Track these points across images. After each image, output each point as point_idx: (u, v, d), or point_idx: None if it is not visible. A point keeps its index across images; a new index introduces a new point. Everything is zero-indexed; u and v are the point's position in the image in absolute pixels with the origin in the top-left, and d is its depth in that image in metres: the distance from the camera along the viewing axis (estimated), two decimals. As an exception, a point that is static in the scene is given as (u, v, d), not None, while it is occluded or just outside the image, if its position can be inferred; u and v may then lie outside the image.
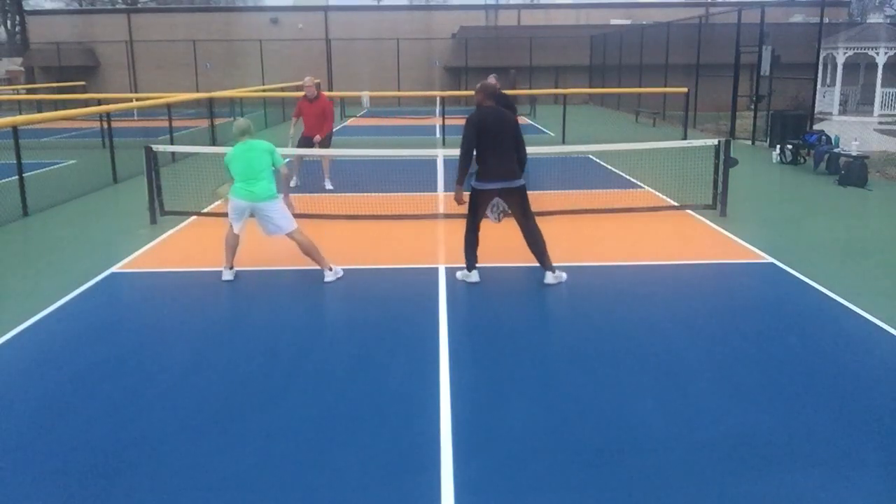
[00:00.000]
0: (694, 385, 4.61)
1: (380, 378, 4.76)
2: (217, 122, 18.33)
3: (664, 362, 4.96)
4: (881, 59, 20.60)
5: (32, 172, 12.65)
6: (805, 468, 3.67)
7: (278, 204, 6.67)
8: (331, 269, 6.82)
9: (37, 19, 38.81)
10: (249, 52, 35.14)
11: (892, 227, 9.06)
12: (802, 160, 14.10)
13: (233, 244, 6.84)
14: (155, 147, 9.46)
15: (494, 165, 6.38)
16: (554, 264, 6.66)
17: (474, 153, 6.43)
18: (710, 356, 5.06)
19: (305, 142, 11.37)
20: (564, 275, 6.69)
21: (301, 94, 11.65)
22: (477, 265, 6.73)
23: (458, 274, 6.81)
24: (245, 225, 6.82)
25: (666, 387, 4.58)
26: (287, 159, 7.91)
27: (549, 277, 6.62)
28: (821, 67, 18.17)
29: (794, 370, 4.82)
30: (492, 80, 11.48)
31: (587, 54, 33.77)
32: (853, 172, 11.69)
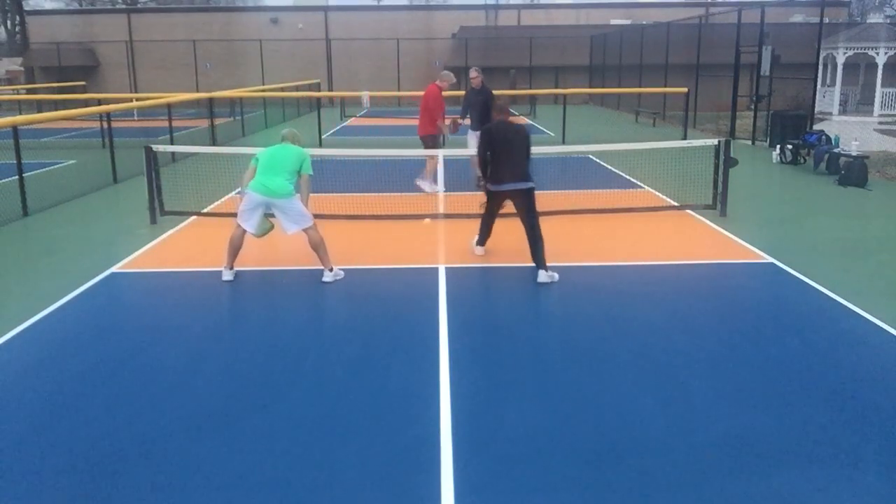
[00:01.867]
0: (693, 385, 4.61)
1: (380, 378, 4.76)
2: (217, 122, 18.33)
3: (664, 362, 4.96)
4: (881, 59, 20.64)
5: (32, 172, 12.67)
6: (804, 468, 3.67)
7: (294, 202, 6.67)
8: (331, 270, 6.82)
9: (37, 19, 38.82)
10: (249, 52, 35.16)
11: (892, 227, 9.06)
12: (802, 160, 14.10)
13: (237, 245, 6.84)
14: (155, 147, 9.45)
15: (506, 170, 6.91)
16: (554, 263, 6.69)
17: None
18: (709, 356, 5.07)
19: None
20: (556, 275, 6.76)
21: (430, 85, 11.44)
22: (485, 244, 7.52)
23: (471, 242, 7.64)
24: (257, 222, 6.74)
25: (666, 387, 4.59)
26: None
27: (543, 276, 6.68)
28: (821, 67, 18.19)
29: (793, 370, 4.82)
30: (473, 72, 11.69)
31: (587, 54, 33.77)
32: (853, 172, 11.68)
